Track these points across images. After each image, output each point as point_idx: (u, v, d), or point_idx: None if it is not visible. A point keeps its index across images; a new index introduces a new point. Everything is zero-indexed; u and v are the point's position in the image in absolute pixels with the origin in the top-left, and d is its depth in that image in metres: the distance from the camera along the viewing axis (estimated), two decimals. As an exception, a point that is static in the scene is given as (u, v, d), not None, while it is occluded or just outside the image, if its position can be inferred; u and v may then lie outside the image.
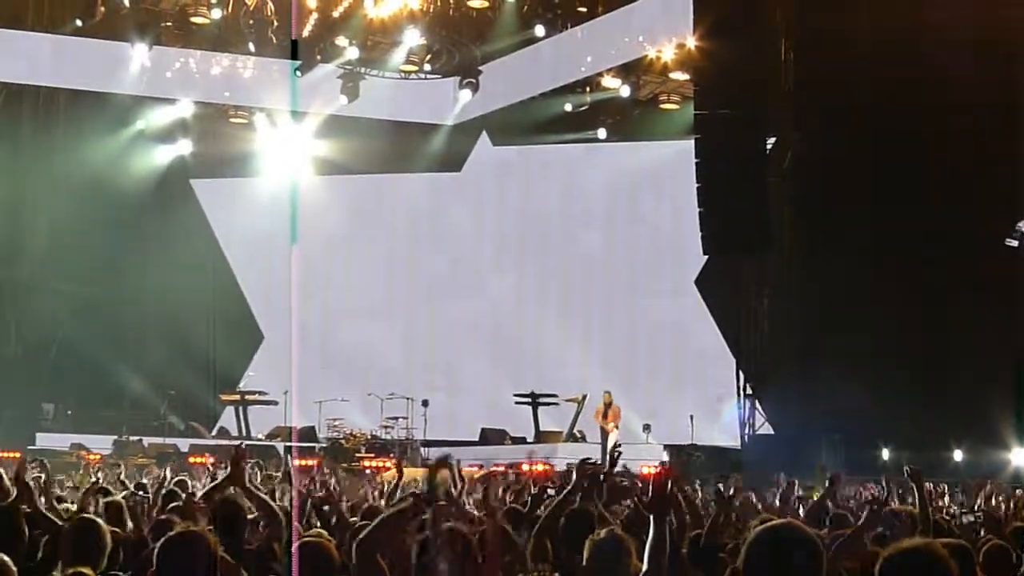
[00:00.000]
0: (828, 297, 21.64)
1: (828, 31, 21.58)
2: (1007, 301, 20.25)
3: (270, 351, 27.49)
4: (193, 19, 25.66)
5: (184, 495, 7.97)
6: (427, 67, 27.29)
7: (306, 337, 27.36)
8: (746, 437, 22.85)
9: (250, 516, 6.48)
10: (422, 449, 23.35)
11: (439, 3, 25.80)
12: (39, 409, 24.46)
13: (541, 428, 24.19)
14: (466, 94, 27.61)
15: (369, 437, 23.42)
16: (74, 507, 7.59)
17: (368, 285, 28.56)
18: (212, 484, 7.32)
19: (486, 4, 25.94)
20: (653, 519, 4.41)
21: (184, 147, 28.12)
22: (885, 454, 19.65)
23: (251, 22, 25.76)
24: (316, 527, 7.10)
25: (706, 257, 24.28)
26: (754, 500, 10.41)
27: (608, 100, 26.99)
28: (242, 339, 27.79)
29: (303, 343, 27.07)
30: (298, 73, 26.46)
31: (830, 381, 20.10)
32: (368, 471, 20.04)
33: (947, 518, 9.46)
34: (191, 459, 20.63)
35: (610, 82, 26.60)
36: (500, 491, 10.07)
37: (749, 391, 23.15)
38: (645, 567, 4.42)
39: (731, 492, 8.73)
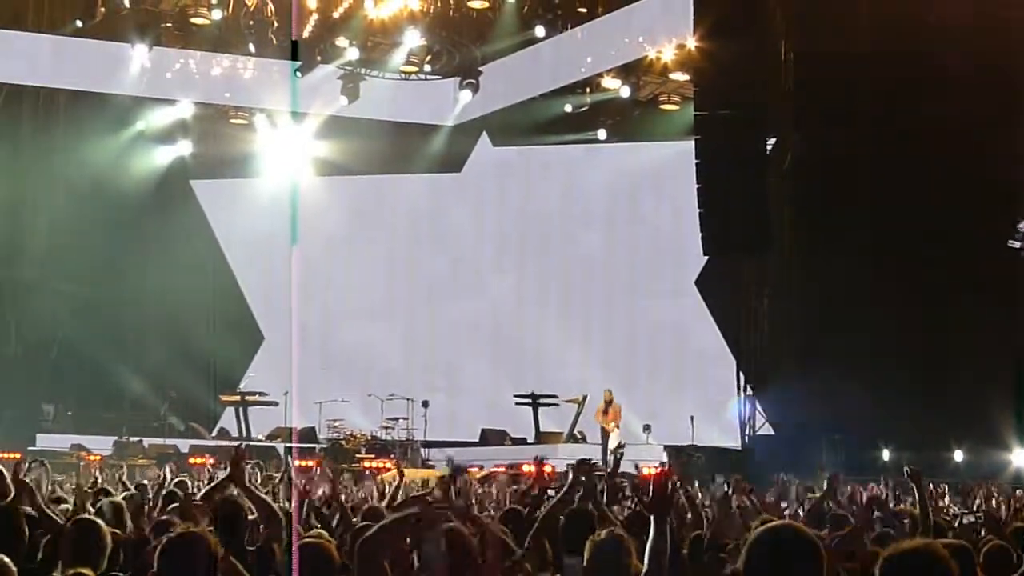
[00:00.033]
0: (828, 297, 21.64)
1: (828, 31, 21.58)
2: (1007, 301, 20.26)
3: (270, 352, 27.48)
4: (193, 20, 25.65)
5: (184, 496, 7.96)
6: (427, 68, 27.29)
7: (306, 338, 27.36)
8: (746, 438, 22.86)
9: (250, 517, 6.48)
10: (422, 450, 23.36)
11: (439, 4, 25.80)
12: (39, 410, 24.45)
13: (541, 429, 24.17)
14: (466, 95, 27.62)
15: (369, 438, 23.40)
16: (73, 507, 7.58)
17: (368, 286, 28.55)
18: (211, 485, 7.30)
19: (486, 5, 25.94)
20: (654, 519, 4.41)
21: (184, 148, 28.11)
22: (885, 454, 19.66)
23: (251, 23, 25.76)
24: (316, 528, 7.09)
25: (706, 258, 24.28)
26: (755, 501, 10.38)
27: (608, 101, 26.98)
28: (242, 340, 27.78)
29: (303, 344, 27.07)
30: (298, 74, 26.46)
31: (830, 381, 20.09)
32: (368, 472, 20.03)
33: (947, 518, 9.46)
34: (191, 460, 20.62)
35: (610, 83, 26.60)
36: (495, 492, 10.07)
37: (749, 391, 23.16)
38: (645, 568, 4.42)
39: (731, 492, 8.73)
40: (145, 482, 10.95)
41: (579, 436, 23.43)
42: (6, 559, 4.43)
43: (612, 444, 20.96)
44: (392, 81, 27.53)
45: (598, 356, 26.52)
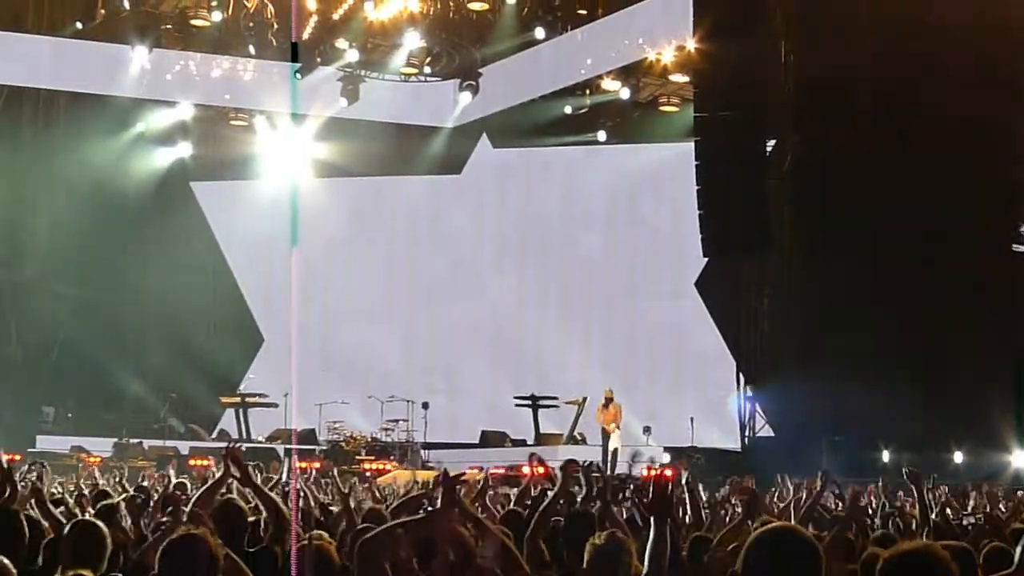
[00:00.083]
0: (828, 297, 21.61)
1: (828, 31, 21.57)
2: (1007, 301, 20.26)
3: (270, 353, 27.48)
4: (193, 22, 25.67)
5: (185, 497, 7.95)
6: (427, 69, 27.30)
7: (306, 339, 27.38)
8: (746, 439, 22.84)
9: (251, 518, 6.47)
10: (422, 452, 23.35)
11: (439, 5, 25.81)
12: (39, 411, 24.44)
13: (541, 430, 24.16)
14: (466, 96, 27.63)
15: (369, 439, 23.40)
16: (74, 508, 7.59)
17: (368, 287, 28.56)
18: (205, 486, 7.21)
19: (486, 6, 25.95)
20: (654, 521, 4.40)
21: (184, 149, 28.12)
22: (885, 455, 19.63)
23: (251, 25, 25.78)
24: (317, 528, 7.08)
25: (706, 259, 24.27)
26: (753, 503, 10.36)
27: (608, 102, 26.99)
28: (242, 341, 27.78)
29: (303, 345, 27.08)
30: (298, 75, 26.47)
31: (830, 381, 20.07)
32: (368, 473, 20.02)
33: (947, 519, 9.45)
34: (191, 462, 20.61)
35: (610, 84, 26.62)
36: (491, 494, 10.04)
37: (749, 392, 23.14)
38: (645, 569, 4.41)
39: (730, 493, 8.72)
40: (146, 484, 10.94)
41: (579, 438, 23.41)
42: (6, 561, 4.43)
43: (612, 445, 20.96)
44: (392, 83, 27.54)
45: (598, 357, 26.52)
